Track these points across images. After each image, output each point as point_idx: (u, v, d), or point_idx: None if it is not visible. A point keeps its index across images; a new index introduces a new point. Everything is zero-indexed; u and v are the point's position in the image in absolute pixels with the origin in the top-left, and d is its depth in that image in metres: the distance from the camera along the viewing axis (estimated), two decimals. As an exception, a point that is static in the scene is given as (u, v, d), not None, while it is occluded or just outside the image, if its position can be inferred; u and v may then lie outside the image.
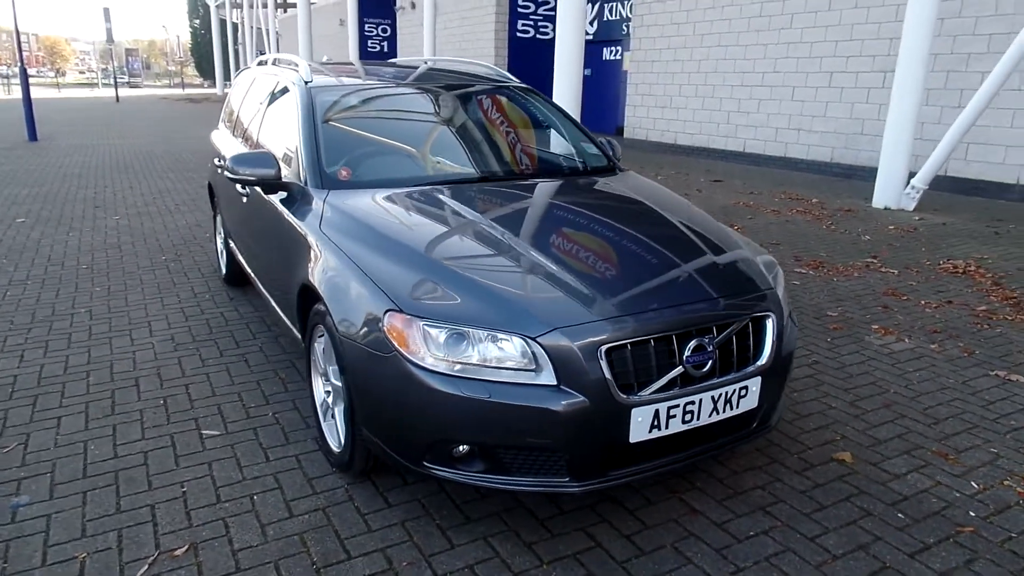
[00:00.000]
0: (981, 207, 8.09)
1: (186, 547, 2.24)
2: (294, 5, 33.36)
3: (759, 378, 2.32)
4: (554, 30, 18.99)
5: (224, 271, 4.91)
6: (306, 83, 3.44)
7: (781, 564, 2.19)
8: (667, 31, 13.11)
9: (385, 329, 2.17)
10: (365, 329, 2.24)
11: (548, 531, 2.34)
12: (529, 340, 2.06)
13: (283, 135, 3.50)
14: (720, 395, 2.22)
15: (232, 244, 4.48)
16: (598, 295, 2.19)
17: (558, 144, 3.72)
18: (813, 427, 3.04)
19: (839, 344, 3.97)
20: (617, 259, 2.44)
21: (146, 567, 2.15)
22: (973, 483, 2.63)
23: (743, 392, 2.28)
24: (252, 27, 33.16)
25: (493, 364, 2.08)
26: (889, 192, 8.03)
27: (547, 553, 2.23)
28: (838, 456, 2.80)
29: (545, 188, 3.16)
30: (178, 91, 48.22)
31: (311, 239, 2.72)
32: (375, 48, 27.25)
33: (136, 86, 58.95)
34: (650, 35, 13.54)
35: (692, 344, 2.17)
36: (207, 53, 56.87)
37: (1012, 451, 2.86)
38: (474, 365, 2.08)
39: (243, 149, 4.07)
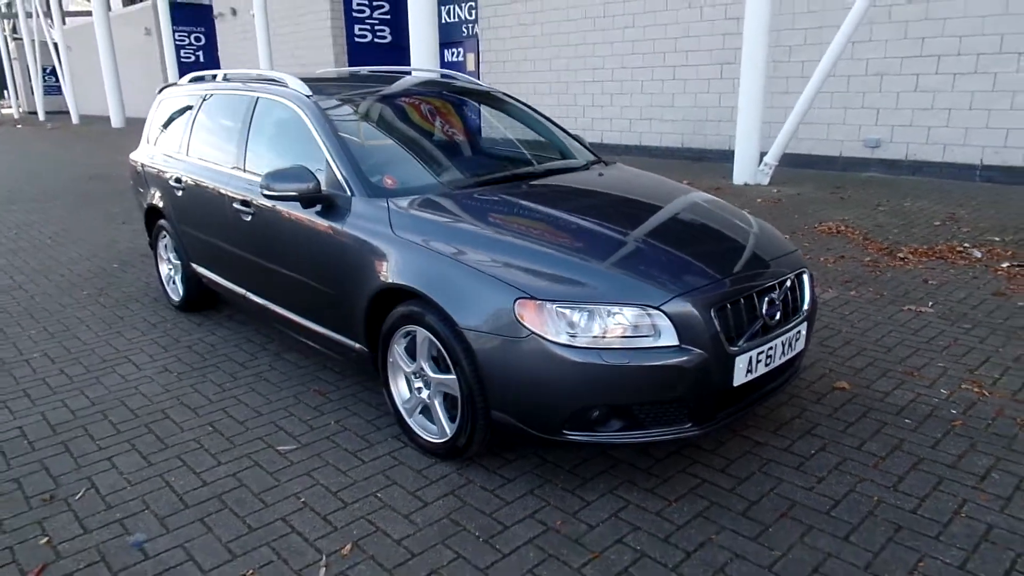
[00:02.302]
0: (818, 178, 9.44)
1: (349, 546, 2.33)
2: (83, 13, 30.36)
3: (805, 323, 2.82)
4: (392, 34, 19.11)
5: (180, 299, 4.70)
6: (308, 97, 3.48)
7: (849, 470, 2.70)
8: (515, 32, 13.73)
9: (517, 315, 2.40)
10: (494, 318, 2.44)
11: (657, 477, 2.69)
12: (652, 309, 2.39)
13: (288, 150, 3.52)
14: (786, 340, 2.69)
15: (200, 269, 4.33)
16: (695, 265, 2.58)
17: (552, 141, 4.03)
18: (805, 365, 3.62)
19: (781, 299, 4.65)
20: (690, 234, 2.84)
21: (323, 569, 2.23)
22: (942, 390, 3.32)
23: (797, 336, 2.77)
24: (33, 40, 29.67)
25: (623, 334, 2.38)
26: (746, 170, 9.14)
27: (669, 493, 2.58)
28: (838, 385, 3.39)
29: (583, 179, 3.48)
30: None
31: (384, 245, 2.84)
32: (189, 58, 25.63)
33: None
34: (499, 36, 14.10)
35: (767, 299, 2.62)
36: (-33, 69, 49.92)
37: (953, 364, 3.61)
38: (606, 337, 2.37)
39: (213, 167, 3.98)
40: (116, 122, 23.23)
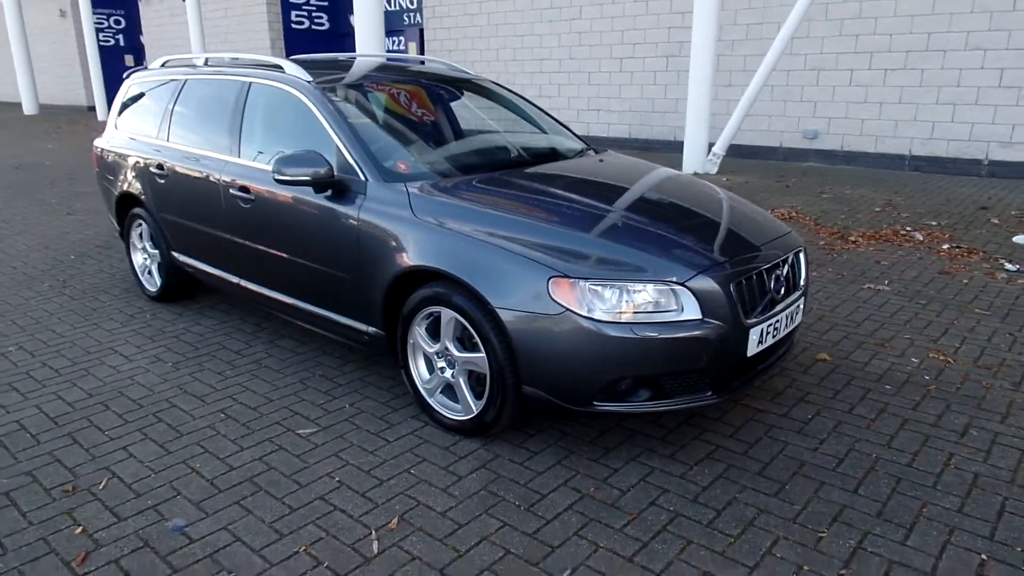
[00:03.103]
0: (762, 167, 9.87)
1: (396, 520, 2.40)
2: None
3: (802, 298, 3.03)
4: (330, 20, 18.76)
5: (157, 289, 4.58)
6: (309, 82, 3.48)
7: (845, 431, 2.93)
8: (461, 22, 13.72)
9: (551, 293, 2.51)
10: (528, 297, 2.54)
11: (673, 444, 2.85)
12: (677, 285, 2.54)
13: (289, 136, 3.51)
14: (788, 313, 2.89)
15: (183, 257, 4.24)
16: (713, 244, 2.74)
17: (546, 128, 4.13)
18: (787, 340, 3.86)
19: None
20: (702, 215, 3.00)
21: (376, 543, 2.29)
22: (913, 359, 3.62)
23: (796, 310, 2.98)
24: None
25: (650, 308, 2.52)
26: (695, 160, 9.47)
27: (688, 458, 2.75)
28: (820, 357, 3.64)
29: (586, 165, 3.59)
30: None
31: (406, 229, 2.89)
32: (108, 42, 24.49)
33: None
34: (444, 26, 14.06)
35: (774, 275, 2.81)
36: None
37: (917, 334, 3.92)
38: (635, 312, 2.51)
39: (203, 154, 3.91)
40: (28, 109, 22.01)
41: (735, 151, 10.49)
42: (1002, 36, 8.49)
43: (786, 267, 2.91)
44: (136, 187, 4.45)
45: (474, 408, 2.84)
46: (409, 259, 2.87)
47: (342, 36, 18.62)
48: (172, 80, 4.36)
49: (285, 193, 3.36)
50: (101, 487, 2.62)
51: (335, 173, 3.12)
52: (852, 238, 5.96)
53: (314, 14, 18.44)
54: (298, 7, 18.11)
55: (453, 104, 4.05)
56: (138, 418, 3.13)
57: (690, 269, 2.57)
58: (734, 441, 2.87)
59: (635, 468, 2.69)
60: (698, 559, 2.20)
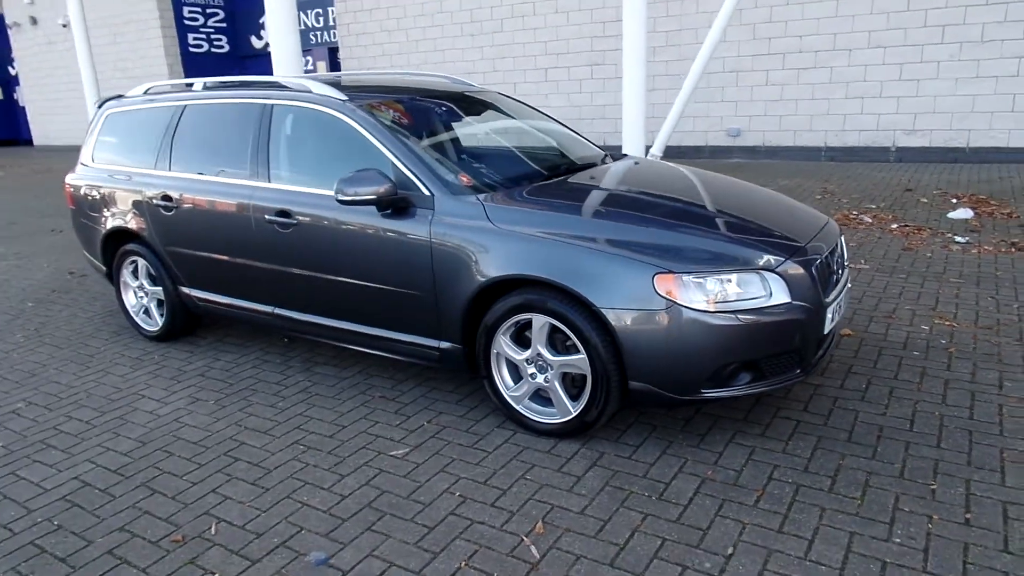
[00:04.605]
0: (695, 166, 10.34)
1: (539, 524, 2.42)
2: None
3: (849, 279, 3.28)
4: (230, 43, 18.14)
5: (160, 328, 4.33)
6: (346, 101, 3.43)
7: (902, 396, 3.19)
8: (379, 39, 13.64)
9: (657, 289, 2.61)
10: (634, 295, 2.63)
11: (759, 424, 3.02)
12: (768, 272, 2.71)
13: (330, 157, 3.46)
14: (843, 294, 3.12)
15: (197, 292, 4.04)
16: (789, 232, 2.93)
17: (568, 137, 4.23)
18: (807, 320, 4.13)
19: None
20: (763, 209, 3.19)
21: (533, 548, 2.31)
22: (923, 327, 3.96)
23: (848, 290, 3.22)
24: None
25: (748, 296, 2.67)
26: (634, 162, 9.83)
27: (779, 435, 2.92)
28: (844, 332, 3.93)
29: (626, 169, 3.75)
30: None
31: (487, 239, 2.91)
32: (-29, 73, 22.68)
33: None
34: (360, 43, 13.92)
35: (836, 256, 3.03)
36: None
37: (914, 304, 4.30)
38: (735, 300, 2.65)
39: (222, 182, 3.77)
40: None
41: (665, 152, 10.95)
42: (899, 34, 9.34)
43: (839, 249, 3.15)
44: (132, 222, 4.21)
45: (572, 410, 2.89)
46: (496, 269, 2.89)
47: (244, 59, 18.06)
48: (164, 107, 4.16)
49: (337, 215, 3.29)
50: (212, 532, 2.49)
51: (397, 190, 3.11)
52: (811, 224, 6.40)
53: (212, 36, 17.80)
54: (195, 30, 17.43)
55: (481, 116, 4.08)
56: (211, 459, 2.98)
57: (780, 256, 2.75)
58: (810, 415, 3.07)
59: (737, 449, 2.83)
60: (839, 522, 2.36)
